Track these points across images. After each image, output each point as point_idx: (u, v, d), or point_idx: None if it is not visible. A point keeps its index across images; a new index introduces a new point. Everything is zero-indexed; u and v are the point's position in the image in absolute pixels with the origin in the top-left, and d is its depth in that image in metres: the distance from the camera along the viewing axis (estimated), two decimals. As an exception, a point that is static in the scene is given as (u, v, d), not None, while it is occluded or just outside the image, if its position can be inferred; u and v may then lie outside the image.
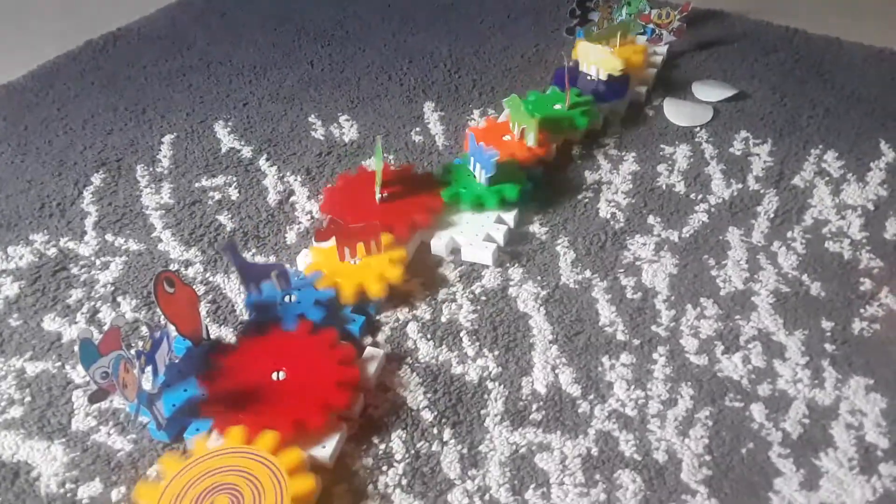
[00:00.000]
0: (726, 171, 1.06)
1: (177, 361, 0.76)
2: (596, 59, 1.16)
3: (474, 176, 0.99)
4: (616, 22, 1.27)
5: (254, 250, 0.93)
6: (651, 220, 0.97)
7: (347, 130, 1.15)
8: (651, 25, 1.30)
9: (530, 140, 1.02)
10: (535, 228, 0.96)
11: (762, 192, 1.02)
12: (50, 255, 0.93)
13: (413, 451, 0.71)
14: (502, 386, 0.77)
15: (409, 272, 0.88)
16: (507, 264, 0.91)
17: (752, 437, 0.72)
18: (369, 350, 0.79)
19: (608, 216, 0.98)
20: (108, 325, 0.82)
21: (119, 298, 0.87)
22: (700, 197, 1.01)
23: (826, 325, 0.83)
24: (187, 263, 0.92)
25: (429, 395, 0.76)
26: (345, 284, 0.83)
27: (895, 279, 0.88)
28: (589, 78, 1.17)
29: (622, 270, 0.90)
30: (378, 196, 0.94)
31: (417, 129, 1.15)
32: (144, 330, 0.83)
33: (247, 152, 1.10)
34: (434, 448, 0.71)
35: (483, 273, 0.90)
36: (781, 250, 0.92)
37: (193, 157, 1.10)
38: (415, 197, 0.95)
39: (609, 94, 1.15)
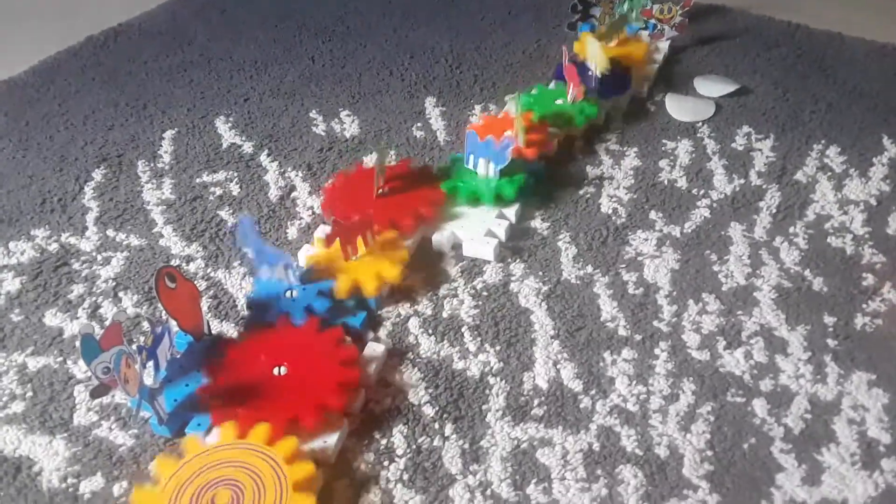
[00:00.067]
0: (728, 166, 1.05)
1: (178, 356, 0.76)
2: (591, 55, 1.15)
3: (474, 172, 0.98)
4: (617, 17, 1.26)
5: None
6: (653, 215, 0.97)
7: (349, 126, 1.15)
8: (653, 20, 1.30)
9: (520, 140, 1.01)
10: (537, 224, 0.96)
11: (764, 187, 1.02)
12: (51, 250, 0.93)
13: (414, 447, 0.71)
14: (504, 381, 0.77)
15: (410, 267, 0.88)
16: (509, 259, 0.91)
17: (754, 432, 0.72)
18: (371, 345, 0.79)
19: (610, 211, 0.98)
20: (110, 320, 0.82)
21: (120, 293, 0.87)
22: (702, 192, 1.01)
23: (828, 320, 0.83)
24: (188, 259, 0.92)
25: (430, 391, 0.76)
26: (341, 280, 0.83)
27: (897, 274, 0.88)
28: (589, 73, 1.17)
29: (624, 266, 0.90)
30: (376, 192, 0.94)
31: (419, 124, 1.15)
32: (146, 325, 0.83)
33: (248, 148, 1.10)
34: (435, 443, 0.71)
35: (485, 268, 0.90)
36: (783, 245, 0.92)
37: (194, 152, 1.10)
38: (416, 192, 0.95)
39: (610, 89, 1.15)
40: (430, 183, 0.97)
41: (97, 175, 1.05)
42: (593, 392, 0.76)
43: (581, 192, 1.01)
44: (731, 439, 0.71)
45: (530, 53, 1.33)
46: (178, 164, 1.07)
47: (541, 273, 0.89)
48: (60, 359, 0.80)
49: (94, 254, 0.92)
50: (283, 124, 1.16)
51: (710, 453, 0.70)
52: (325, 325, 0.78)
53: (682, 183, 1.03)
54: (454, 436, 0.72)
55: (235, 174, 1.05)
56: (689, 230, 0.95)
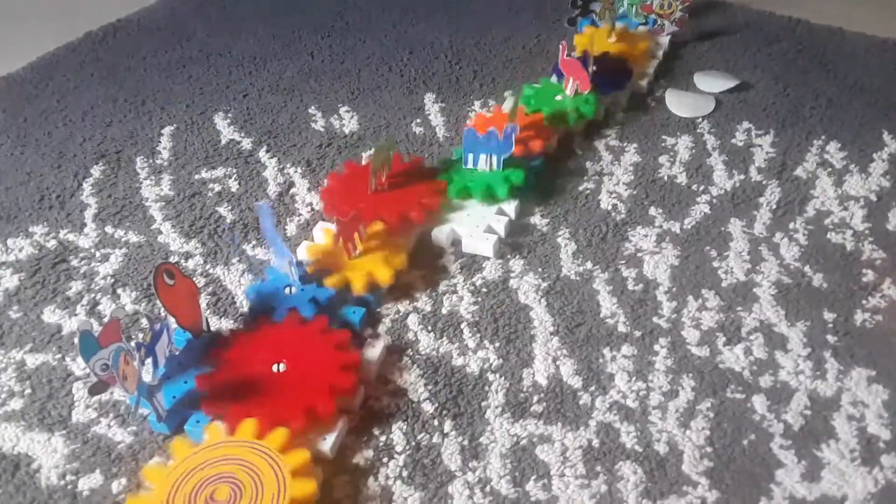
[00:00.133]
0: (728, 162, 1.05)
1: (177, 353, 0.76)
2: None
3: (474, 170, 0.98)
4: (618, 13, 1.26)
5: (254, 242, 0.93)
6: (652, 211, 0.97)
7: (348, 122, 1.15)
8: (653, 16, 1.29)
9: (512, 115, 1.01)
10: (537, 220, 0.96)
11: (764, 183, 1.01)
12: (50, 247, 0.93)
13: (414, 443, 0.71)
14: (503, 378, 0.77)
15: (409, 264, 0.88)
16: (508, 256, 0.91)
17: (754, 428, 0.72)
18: (370, 342, 0.79)
19: (609, 207, 0.98)
20: (108, 317, 0.82)
21: (119, 290, 0.87)
22: (702, 188, 1.01)
23: (828, 316, 0.83)
24: (187, 255, 0.92)
25: (429, 387, 0.76)
26: (335, 277, 0.83)
27: (898, 270, 0.88)
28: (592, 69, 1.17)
29: (623, 262, 0.90)
30: (372, 188, 0.94)
31: (418, 120, 1.15)
32: (144, 322, 0.83)
33: (247, 144, 1.10)
34: (435, 440, 0.71)
35: (484, 264, 0.90)
36: (783, 241, 0.92)
37: (193, 148, 1.09)
38: (414, 188, 0.95)
39: (610, 85, 1.15)
40: (431, 179, 0.97)
41: (96, 171, 1.05)
42: (593, 388, 0.76)
43: (581, 187, 1.01)
44: (731, 436, 0.71)
45: (530, 49, 1.32)
46: (176, 160, 1.07)
47: (540, 269, 0.89)
48: (59, 356, 0.80)
49: (92, 250, 0.92)
50: (282, 120, 1.15)
51: (709, 450, 0.70)
52: (334, 327, 0.78)
53: (681, 179, 1.02)
54: (453, 432, 0.72)
55: (234, 170, 1.05)
56: (689, 226, 0.95)
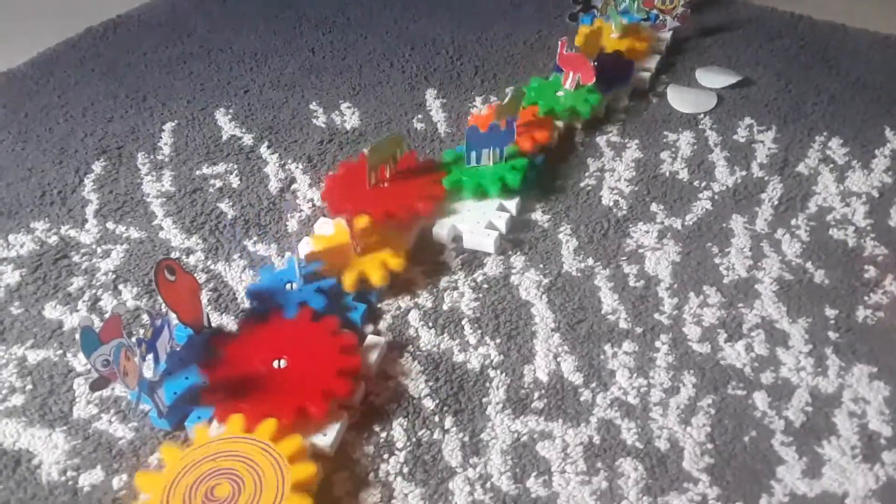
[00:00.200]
0: (730, 158, 1.05)
1: (178, 349, 0.76)
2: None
3: (474, 168, 0.98)
4: (619, 9, 1.26)
5: (255, 238, 0.93)
6: (654, 207, 0.97)
7: (349, 118, 1.15)
8: (655, 11, 1.29)
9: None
10: (538, 216, 0.96)
11: (766, 179, 1.01)
12: (51, 242, 0.93)
13: (414, 440, 0.71)
14: (504, 374, 0.77)
15: (410, 260, 0.88)
16: (510, 252, 0.91)
17: (755, 425, 0.72)
18: (371, 338, 0.79)
19: (611, 204, 0.98)
20: (109, 312, 0.82)
21: (120, 286, 0.87)
22: (703, 184, 1.00)
23: (830, 312, 0.83)
24: (188, 251, 0.92)
25: (430, 384, 0.76)
26: (330, 270, 0.84)
27: (900, 267, 0.88)
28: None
29: (625, 258, 0.90)
30: (370, 183, 0.94)
31: (419, 116, 1.15)
32: (145, 318, 0.83)
33: (248, 140, 1.10)
34: (435, 436, 0.71)
35: (485, 261, 0.90)
36: (785, 238, 0.92)
37: (194, 144, 1.09)
38: (415, 184, 0.95)
39: (611, 80, 1.15)
40: (431, 175, 0.96)
41: (97, 167, 1.05)
42: (594, 385, 0.76)
43: (582, 184, 1.01)
44: (732, 432, 0.71)
45: (532, 44, 1.32)
46: (177, 156, 1.07)
47: (541, 265, 0.89)
48: (60, 352, 0.80)
49: (93, 246, 0.92)
50: (283, 116, 1.15)
51: (710, 446, 0.70)
52: (319, 316, 0.78)
53: (683, 175, 1.02)
54: (454, 429, 0.72)
55: (235, 166, 1.05)
56: (691, 222, 0.95)
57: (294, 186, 1.01)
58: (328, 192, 0.95)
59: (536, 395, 0.75)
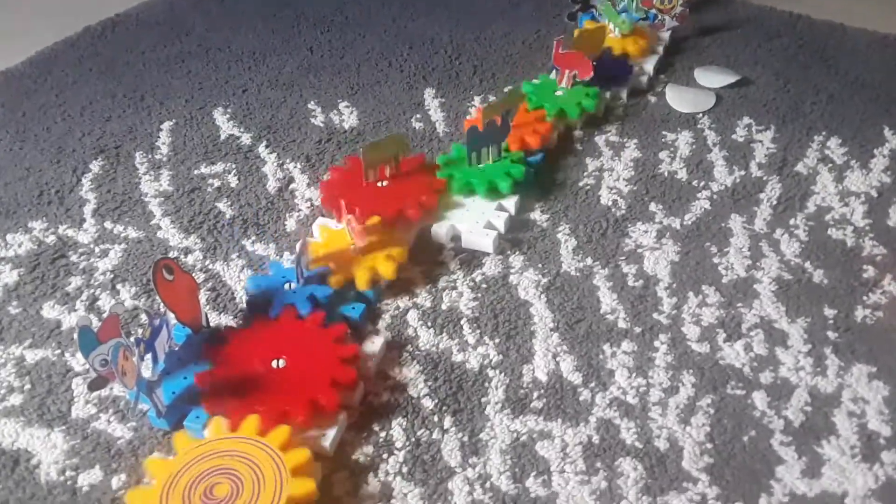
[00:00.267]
0: (729, 157, 1.05)
1: (176, 349, 0.76)
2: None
3: (477, 167, 0.98)
4: (618, 8, 1.26)
5: (253, 238, 0.93)
6: (653, 207, 0.97)
7: (347, 117, 1.15)
8: (653, 10, 1.29)
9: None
10: (537, 216, 0.96)
11: (765, 178, 1.01)
12: (49, 242, 0.92)
13: (413, 439, 0.71)
14: (503, 374, 0.77)
15: (409, 259, 0.88)
16: (508, 252, 0.91)
17: (754, 424, 0.72)
18: (369, 338, 0.79)
19: (609, 203, 0.98)
20: (108, 312, 0.82)
21: (118, 286, 0.87)
22: (702, 184, 1.00)
23: (829, 312, 0.83)
24: (186, 251, 0.91)
25: (429, 383, 0.76)
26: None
27: (898, 266, 0.88)
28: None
29: (623, 258, 0.90)
30: (366, 180, 0.94)
31: (418, 115, 1.15)
32: (144, 317, 0.83)
33: (246, 139, 1.10)
34: (435, 436, 0.71)
35: (484, 260, 0.90)
36: (784, 237, 0.92)
37: (192, 144, 1.09)
38: (415, 184, 0.94)
39: (610, 80, 1.15)
40: (430, 176, 0.96)
41: (95, 167, 1.05)
42: (593, 384, 0.76)
43: (581, 183, 1.01)
44: (731, 432, 0.71)
45: (530, 44, 1.32)
46: (175, 155, 1.07)
47: (540, 265, 0.89)
48: (58, 351, 0.79)
49: (91, 246, 0.92)
50: (281, 115, 1.15)
51: (709, 446, 0.70)
52: (330, 322, 0.78)
53: (682, 174, 1.02)
54: (453, 428, 0.72)
55: (234, 166, 1.05)
56: (689, 222, 0.95)
57: (292, 186, 1.01)
58: (326, 190, 0.95)
59: (535, 394, 0.75)
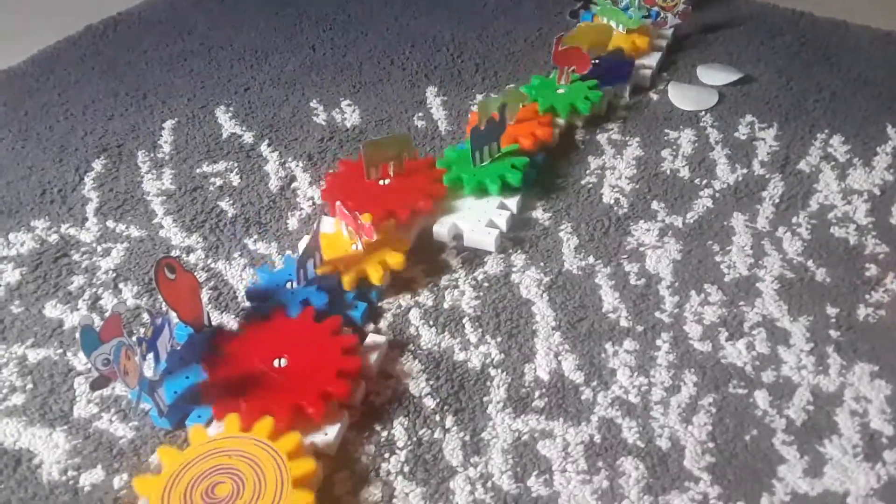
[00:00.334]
0: (731, 155, 1.05)
1: (178, 348, 0.76)
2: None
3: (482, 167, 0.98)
4: (619, 6, 1.26)
5: (255, 236, 0.93)
6: (655, 205, 0.97)
7: (349, 115, 1.14)
8: (656, 8, 1.29)
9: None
10: (539, 214, 0.96)
11: (767, 177, 1.01)
12: (51, 241, 0.93)
13: (415, 439, 0.71)
14: (505, 373, 0.77)
15: (411, 258, 0.88)
16: (510, 250, 0.91)
17: (756, 424, 0.72)
18: (371, 337, 0.79)
19: (612, 202, 0.97)
20: (110, 311, 0.82)
21: (120, 285, 0.87)
22: (705, 182, 1.00)
23: (831, 311, 0.83)
24: (189, 250, 0.91)
25: (431, 382, 0.76)
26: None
27: (901, 265, 0.88)
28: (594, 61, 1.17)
29: (626, 256, 0.90)
30: (368, 177, 0.94)
31: (420, 114, 1.14)
32: (146, 316, 0.83)
33: (248, 138, 1.10)
34: (436, 435, 0.71)
35: (486, 259, 0.90)
36: (786, 236, 0.92)
37: (195, 142, 1.09)
38: (417, 182, 0.94)
39: (613, 77, 1.15)
40: (432, 175, 0.96)
41: (97, 165, 1.05)
42: (594, 383, 0.76)
43: (583, 182, 1.01)
44: (733, 431, 0.71)
45: (532, 42, 1.32)
46: (178, 154, 1.07)
47: (542, 264, 0.89)
48: (60, 350, 0.80)
49: (94, 245, 0.92)
50: (283, 114, 1.15)
51: (711, 445, 0.70)
52: (322, 316, 0.78)
53: (684, 173, 1.02)
54: (455, 428, 0.72)
55: (236, 164, 1.05)
56: (692, 220, 0.94)
57: (294, 185, 1.01)
58: (330, 181, 0.96)
59: (537, 393, 0.75)
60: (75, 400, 0.75)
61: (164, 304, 0.73)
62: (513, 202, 0.95)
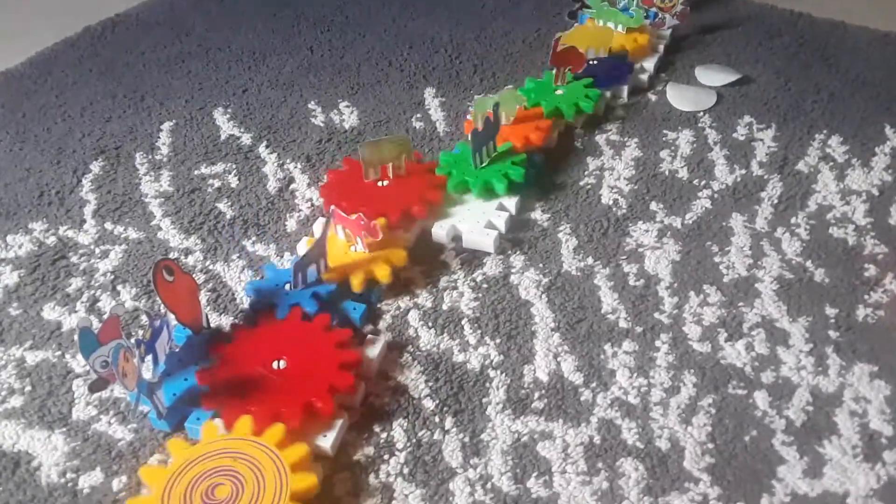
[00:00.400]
0: (730, 156, 1.05)
1: (177, 350, 0.76)
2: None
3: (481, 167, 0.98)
4: (618, 6, 1.26)
5: (254, 238, 0.93)
6: (654, 206, 0.97)
7: (347, 117, 1.14)
8: (654, 9, 1.29)
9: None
10: (537, 215, 0.96)
11: (766, 177, 1.01)
12: (49, 243, 0.92)
13: (414, 440, 0.71)
14: (504, 374, 0.77)
15: (410, 260, 0.88)
16: (509, 251, 0.91)
17: (756, 424, 0.72)
18: (370, 338, 0.79)
19: (610, 203, 0.97)
20: (108, 313, 0.82)
21: (119, 287, 0.87)
22: (703, 183, 1.00)
23: (830, 311, 0.83)
24: (187, 252, 0.91)
25: (430, 384, 0.76)
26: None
27: (900, 265, 0.88)
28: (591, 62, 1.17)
29: (624, 257, 0.90)
30: (366, 178, 0.94)
31: (418, 115, 1.14)
32: (144, 318, 0.83)
33: (246, 139, 1.10)
34: (436, 437, 0.71)
35: (485, 260, 0.90)
36: (785, 236, 0.92)
37: (193, 144, 1.09)
38: (414, 186, 0.94)
39: (611, 78, 1.15)
40: (431, 176, 0.96)
41: (95, 167, 1.05)
42: (594, 385, 0.76)
43: (581, 183, 1.01)
44: (733, 432, 0.71)
45: (530, 42, 1.32)
46: (176, 156, 1.07)
47: (541, 265, 0.89)
48: (59, 353, 0.79)
49: (92, 247, 0.92)
50: (281, 115, 1.15)
51: (711, 446, 0.70)
52: (336, 326, 0.78)
53: (683, 173, 1.02)
54: (454, 429, 0.72)
55: (234, 166, 1.05)
56: (690, 221, 0.94)
57: (293, 186, 1.01)
58: (327, 186, 0.95)
59: (536, 395, 0.75)
60: (74, 402, 0.75)
61: (162, 306, 0.73)
62: (511, 203, 0.95)
